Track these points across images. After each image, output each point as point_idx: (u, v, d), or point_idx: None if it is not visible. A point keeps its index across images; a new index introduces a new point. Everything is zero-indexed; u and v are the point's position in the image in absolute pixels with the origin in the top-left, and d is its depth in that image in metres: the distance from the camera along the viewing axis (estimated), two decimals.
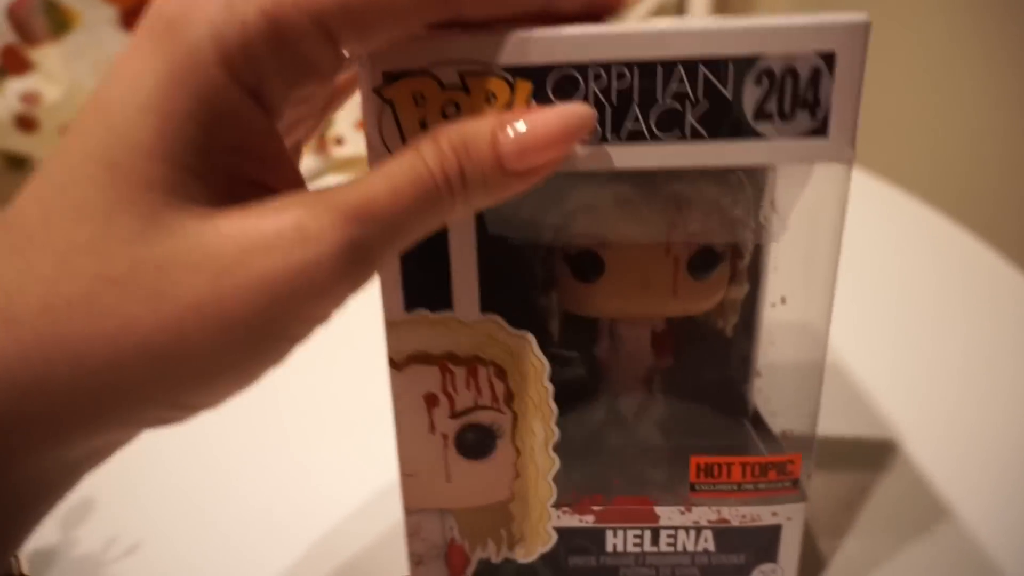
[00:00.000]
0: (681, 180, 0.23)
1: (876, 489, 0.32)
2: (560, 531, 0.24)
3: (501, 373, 0.22)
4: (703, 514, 0.24)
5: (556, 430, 0.23)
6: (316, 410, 0.37)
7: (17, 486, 0.16)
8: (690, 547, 0.24)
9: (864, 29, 0.18)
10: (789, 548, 0.24)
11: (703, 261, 0.23)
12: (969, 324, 0.42)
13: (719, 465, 0.23)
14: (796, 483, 0.23)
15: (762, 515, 0.24)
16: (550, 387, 0.22)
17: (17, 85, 0.42)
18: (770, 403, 0.27)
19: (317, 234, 0.16)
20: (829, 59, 0.18)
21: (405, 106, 0.19)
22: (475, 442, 0.23)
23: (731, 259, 0.24)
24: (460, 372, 0.22)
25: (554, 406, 0.23)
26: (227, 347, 0.16)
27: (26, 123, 0.43)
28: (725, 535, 0.24)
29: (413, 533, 0.24)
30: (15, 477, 0.16)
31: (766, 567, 0.25)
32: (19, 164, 0.49)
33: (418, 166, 0.17)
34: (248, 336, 0.16)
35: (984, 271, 0.47)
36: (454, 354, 0.22)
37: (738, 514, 0.24)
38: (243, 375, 0.17)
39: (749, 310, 0.27)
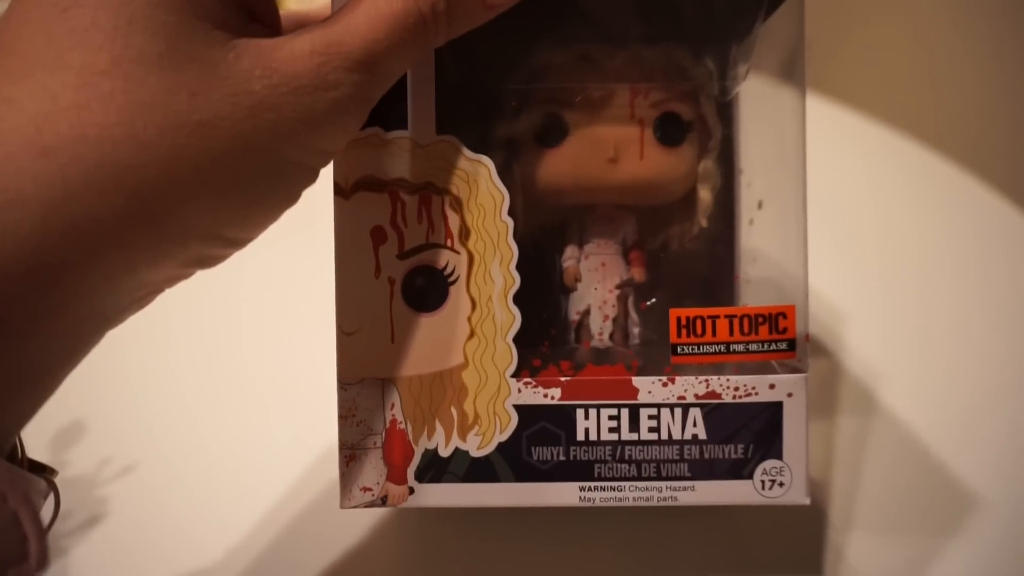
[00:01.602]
0: (643, 41, 0.23)
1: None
2: (521, 410, 0.20)
3: (456, 204, 0.20)
4: (689, 386, 0.20)
5: (517, 276, 0.20)
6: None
7: (71, 328, 0.16)
8: (676, 433, 0.20)
9: None
10: (794, 437, 0.20)
11: (669, 125, 0.23)
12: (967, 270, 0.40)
13: (703, 319, 0.20)
14: (792, 345, 0.20)
15: (758, 387, 0.20)
16: (509, 222, 0.20)
17: None
18: None
19: (335, 82, 0.17)
20: None
21: None
22: (425, 288, 0.20)
23: (699, 135, 0.24)
24: (411, 201, 0.20)
25: (514, 245, 0.20)
26: (266, 177, 0.17)
27: None
28: (717, 416, 0.20)
29: (347, 415, 0.20)
30: (71, 318, 0.16)
31: (770, 465, 0.20)
32: None
33: (410, 5, 0.17)
34: (282, 167, 0.17)
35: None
36: (406, 180, 0.20)
37: (730, 386, 0.20)
38: (277, 204, 0.18)
39: (726, 232, 0.25)
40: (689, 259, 0.25)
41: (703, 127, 0.24)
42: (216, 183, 0.16)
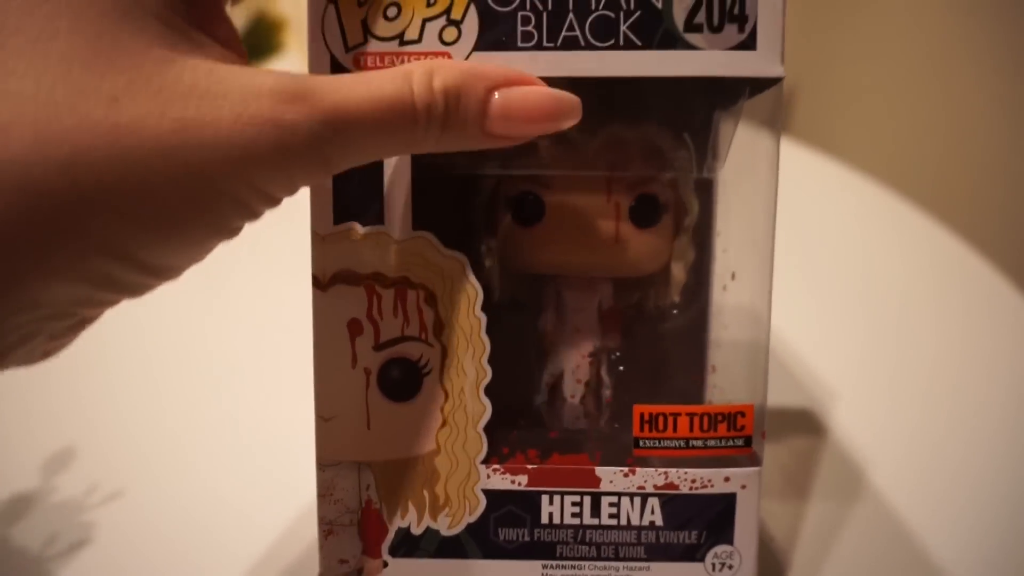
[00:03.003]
0: (622, 122, 0.23)
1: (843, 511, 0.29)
2: (490, 494, 0.21)
3: (431, 299, 0.21)
4: (649, 477, 0.21)
5: (488, 369, 0.21)
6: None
7: None
8: (635, 519, 0.22)
9: None
10: (746, 525, 0.22)
11: (645, 208, 0.23)
12: (940, 318, 0.41)
13: (665, 415, 0.21)
14: (749, 441, 0.21)
15: (714, 480, 0.21)
16: (482, 317, 0.21)
17: None
18: (725, 393, 0.26)
19: (291, 124, 0.16)
20: None
21: (348, 5, 0.20)
22: (400, 380, 0.21)
23: (674, 214, 0.24)
24: (387, 295, 0.21)
25: (486, 340, 0.21)
26: (189, 202, 0.15)
27: None
28: (674, 505, 0.21)
29: (325, 494, 0.21)
30: None
31: (721, 550, 0.22)
32: None
33: (404, 91, 0.17)
34: (212, 196, 0.16)
35: (955, 266, 0.46)
36: (382, 275, 0.21)
37: (687, 478, 0.21)
38: (205, 235, 0.17)
39: (701, 295, 0.26)
40: (661, 325, 0.26)
41: (679, 206, 0.24)
42: (125, 195, 0.15)
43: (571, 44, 0.20)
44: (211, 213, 0.16)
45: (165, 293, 0.46)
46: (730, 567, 0.22)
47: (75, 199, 0.14)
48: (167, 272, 0.17)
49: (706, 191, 0.25)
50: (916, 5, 0.64)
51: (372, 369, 0.21)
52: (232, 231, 0.17)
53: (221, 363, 0.37)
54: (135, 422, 0.33)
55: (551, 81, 0.20)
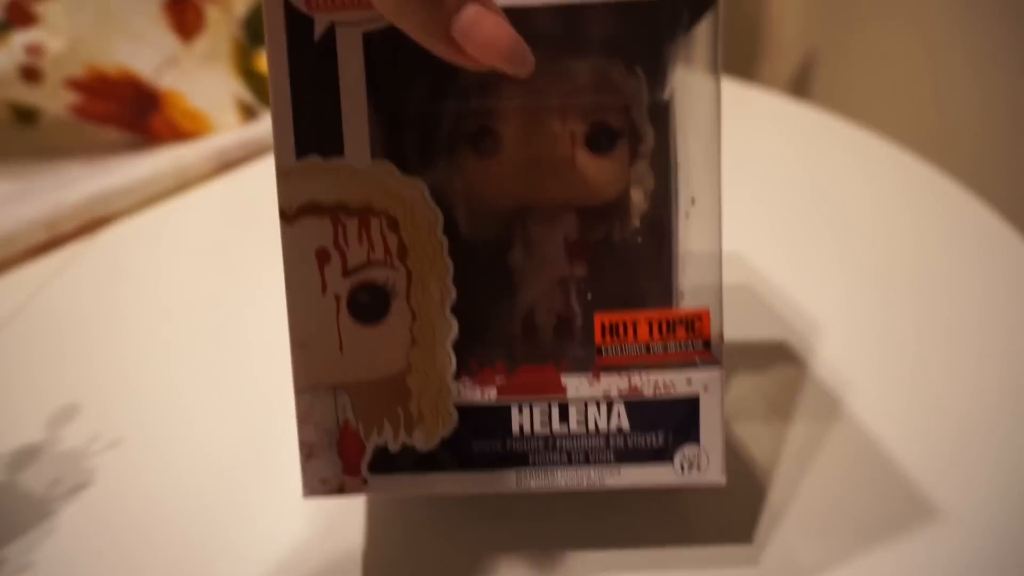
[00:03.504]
0: (572, 53, 0.24)
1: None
2: (462, 409, 0.22)
3: (394, 224, 0.22)
4: (613, 383, 0.22)
5: (453, 289, 0.22)
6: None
7: None
8: (603, 425, 0.22)
9: None
10: (711, 425, 0.22)
11: (600, 135, 0.24)
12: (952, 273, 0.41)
13: (624, 323, 0.22)
14: (708, 345, 0.22)
15: (676, 383, 0.22)
16: (444, 240, 0.22)
17: (22, 37, 0.44)
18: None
19: None
20: None
21: None
22: (369, 303, 0.22)
23: (629, 141, 0.25)
24: (352, 224, 0.22)
25: (449, 261, 0.22)
26: None
27: (31, 74, 0.45)
28: (639, 410, 0.22)
29: (304, 419, 0.23)
30: None
31: (688, 449, 0.22)
32: (26, 116, 0.51)
33: None
34: None
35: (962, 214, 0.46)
36: (345, 204, 0.22)
37: (650, 382, 0.22)
38: None
39: (663, 221, 0.27)
40: (636, 251, 0.27)
41: (634, 134, 0.25)
42: None
43: None
44: None
45: (164, 253, 0.47)
46: (698, 467, 0.23)
47: None
48: None
49: (662, 118, 0.26)
50: None
51: (341, 295, 0.22)
52: None
53: (216, 319, 0.38)
54: (133, 380, 0.35)
55: (509, 12, 0.21)
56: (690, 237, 0.26)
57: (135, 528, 0.27)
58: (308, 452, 0.23)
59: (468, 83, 0.24)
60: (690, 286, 0.26)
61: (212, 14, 0.51)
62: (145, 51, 0.48)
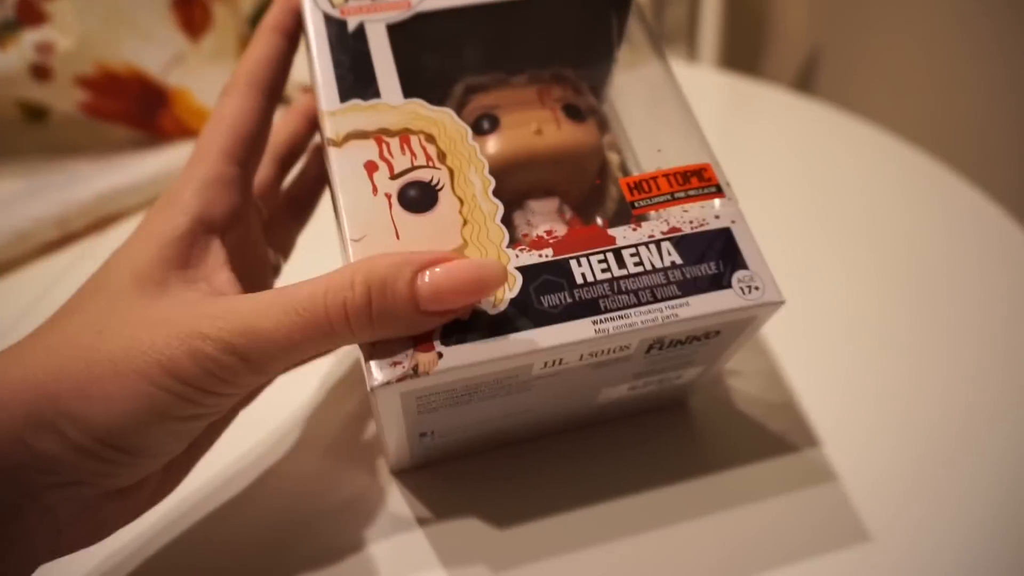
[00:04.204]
0: (536, 65, 0.31)
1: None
2: (522, 270, 0.23)
3: (431, 139, 0.25)
4: (654, 226, 0.24)
5: (491, 179, 0.25)
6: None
7: None
8: (658, 263, 0.23)
9: None
10: (751, 252, 0.24)
11: (572, 109, 0.30)
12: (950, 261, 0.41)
13: (646, 180, 0.25)
14: (719, 188, 0.25)
15: (707, 219, 0.24)
16: (476, 145, 0.25)
17: (32, 36, 0.43)
18: None
19: (201, 346, 0.19)
20: None
21: None
22: (418, 196, 0.24)
23: (597, 118, 0.31)
24: (394, 141, 0.25)
25: (484, 159, 0.25)
26: (130, 394, 0.19)
27: (41, 72, 0.43)
28: (684, 244, 0.24)
29: None
30: None
31: (743, 274, 0.23)
32: (36, 114, 0.46)
33: (316, 310, 0.20)
34: (144, 392, 0.19)
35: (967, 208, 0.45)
36: (387, 128, 0.25)
37: (685, 220, 0.24)
38: (149, 422, 0.19)
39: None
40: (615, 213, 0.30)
41: (597, 114, 0.31)
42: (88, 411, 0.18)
43: None
44: (159, 404, 0.19)
45: None
46: (756, 288, 0.23)
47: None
48: (149, 454, 0.20)
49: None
50: None
51: (392, 193, 0.24)
52: (183, 419, 0.20)
53: None
54: None
55: (487, 40, 0.28)
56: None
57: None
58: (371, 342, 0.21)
59: (465, 88, 0.30)
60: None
61: (219, 12, 0.51)
62: (153, 49, 0.48)
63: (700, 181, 0.25)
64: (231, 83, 0.26)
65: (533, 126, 0.29)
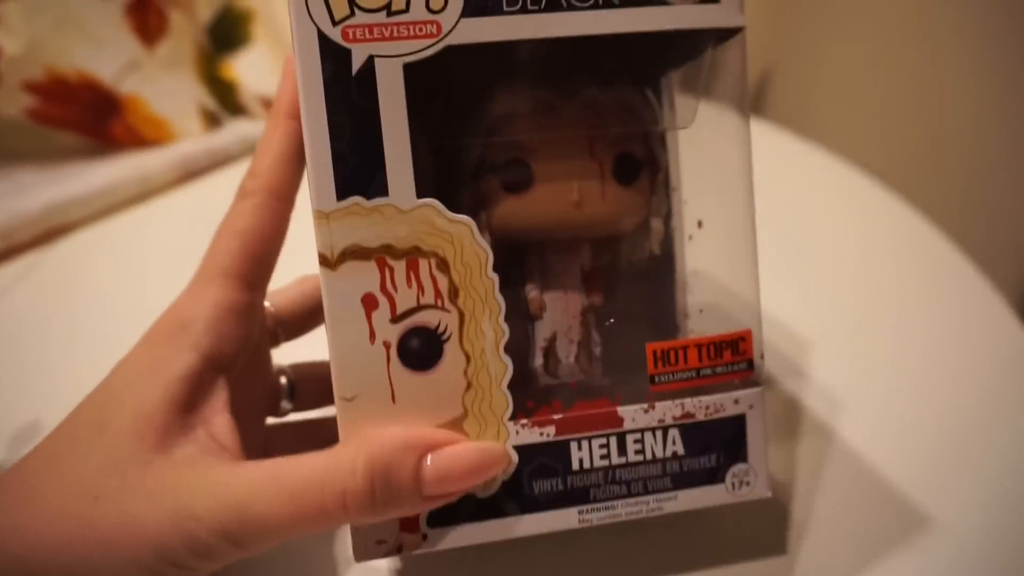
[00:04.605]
0: (596, 85, 0.24)
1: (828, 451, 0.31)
2: (521, 450, 0.22)
3: (443, 265, 0.21)
4: (667, 410, 0.23)
5: (505, 328, 0.22)
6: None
7: None
8: (659, 452, 0.23)
9: None
10: (756, 442, 0.23)
11: (627, 165, 0.24)
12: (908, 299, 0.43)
13: (675, 350, 0.23)
14: (751, 364, 0.23)
15: (725, 404, 0.23)
16: (495, 277, 0.21)
17: None
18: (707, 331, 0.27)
19: (194, 529, 0.19)
20: None
21: None
22: (421, 348, 0.21)
23: (650, 170, 0.25)
24: (399, 267, 0.21)
25: (501, 300, 0.22)
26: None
27: None
28: (692, 433, 0.23)
29: None
30: None
31: (737, 468, 0.23)
32: None
33: (313, 497, 0.19)
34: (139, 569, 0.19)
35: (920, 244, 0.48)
36: (392, 247, 0.21)
37: (702, 406, 0.23)
38: None
39: (668, 244, 0.27)
40: (636, 271, 0.27)
41: (653, 162, 0.25)
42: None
43: (554, 6, 0.20)
44: None
45: (125, 264, 0.43)
46: (747, 483, 0.23)
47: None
48: None
49: (667, 145, 0.26)
50: None
51: (391, 342, 0.21)
52: None
53: None
54: None
55: (539, 41, 0.20)
56: (696, 258, 0.27)
57: None
58: None
59: (497, 115, 0.24)
60: (694, 305, 0.27)
61: (176, 19, 0.49)
62: (105, 55, 0.46)
63: (733, 355, 0.23)
64: (250, 186, 0.23)
65: (573, 194, 0.24)
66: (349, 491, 0.20)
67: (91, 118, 0.47)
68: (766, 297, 0.36)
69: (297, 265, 0.27)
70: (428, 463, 0.20)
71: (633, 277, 0.27)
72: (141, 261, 0.42)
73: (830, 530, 0.27)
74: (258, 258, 0.23)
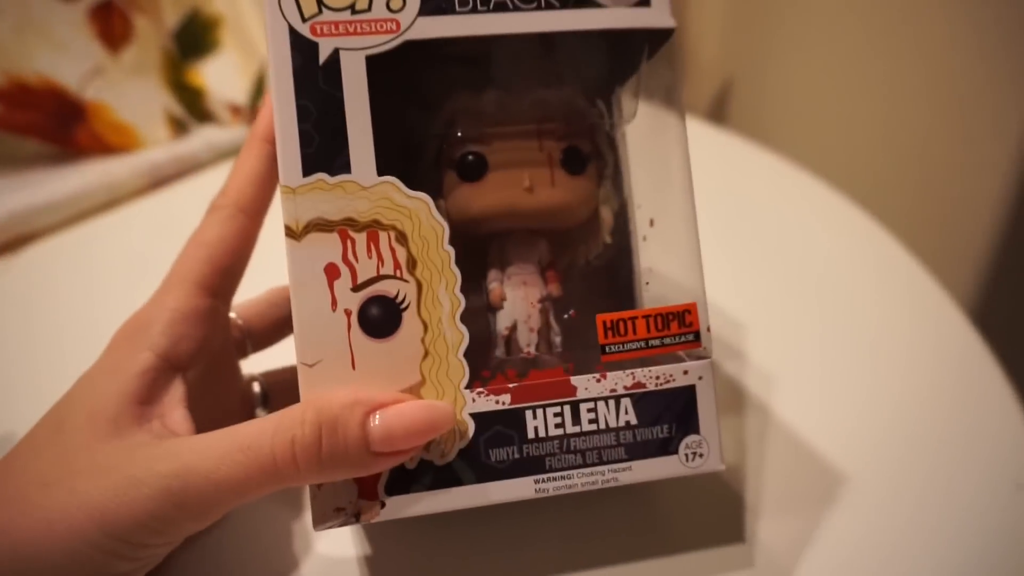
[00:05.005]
0: (546, 87, 0.26)
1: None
2: (477, 418, 0.23)
3: (402, 238, 0.22)
4: (618, 379, 0.23)
5: (462, 298, 0.23)
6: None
7: None
8: (612, 422, 0.23)
9: None
10: (708, 414, 0.24)
11: (574, 157, 0.26)
12: (861, 303, 0.44)
13: (624, 321, 0.24)
14: (698, 336, 0.24)
15: (675, 375, 0.24)
16: (451, 250, 0.23)
17: None
18: None
19: (135, 495, 0.20)
20: None
21: None
22: (380, 316, 0.22)
23: (596, 164, 0.27)
24: (360, 239, 0.22)
25: (457, 271, 0.23)
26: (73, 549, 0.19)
27: None
28: (644, 402, 0.24)
29: None
30: None
31: (691, 439, 0.24)
32: None
33: (262, 452, 0.20)
34: (88, 546, 0.19)
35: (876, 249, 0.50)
36: (353, 219, 0.22)
37: (652, 375, 0.24)
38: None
39: (623, 240, 0.29)
40: (596, 273, 0.29)
41: (599, 157, 0.27)
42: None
43: (501, 7, 0.23)
44: (90, 563, 0.20)
45: (91, 273, 0.43)
46: (700, 455, 0.24)
47: None
48: None
49: (616, 146, 0.29)
50: (846, 2, 0.67)
51: (352, 310, 0.22)
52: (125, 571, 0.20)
53: None
54: None
55: (491, 38, 0.23)
56: (650, 255, 0.29)
57: None
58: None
59: (454, 110, 0.26)
60: (650, 299, 0.29)
61: (141, 24, 0.49)
62: (69, 60, 0.46)
63: (680, 327, 0.24)
64: (219, 202, 0.25)
65: (525, 181, 0.26)
66: (297, 439, 0.20)
67: (55, 125, 0.47)
68: (721, 294, 0.37)
69: (266, 282, 0.28)
70: (375, 419, 0.21)
71: (590, 270, 0.29)
72: (110, 268, 0.42)
73: (780, 511, 0.28)
74: (222, 268, 0.24)
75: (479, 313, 0.26)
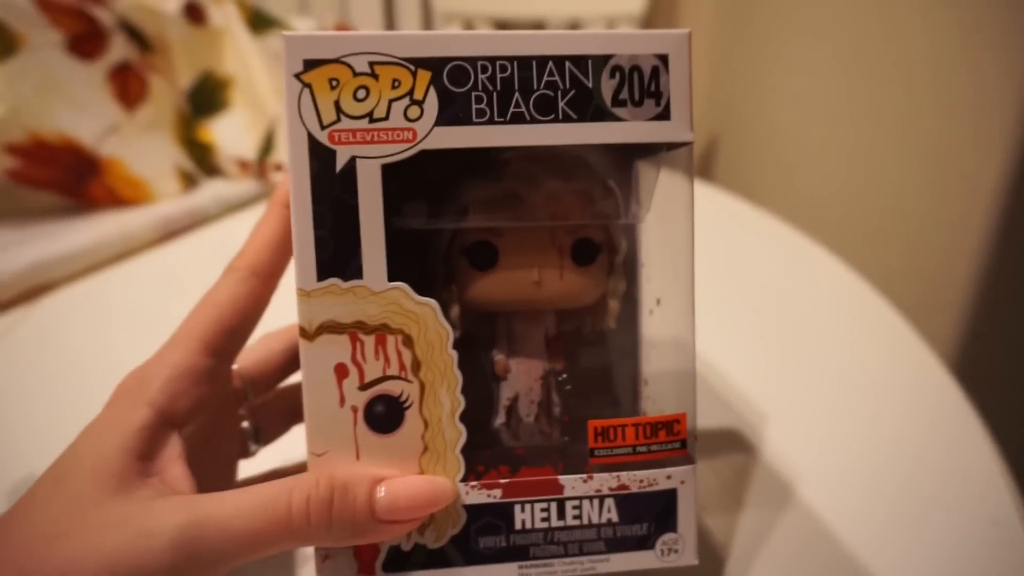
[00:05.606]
0: (559, 178, 0.26)
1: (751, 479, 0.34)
2: (470, 509, 0.24)
3: (408, 341, 0.24)
4: (604, 481, 0.25)
5: (462, 399, 0.24)
6: None
7: None
8: (595, 519, 0.25)
9: (687, 38, 0.23)
10: (687, 514, 0.25)
11: (584, 249, 0.27)
12: (826, 335, 0.47)
13: (614, 428, 0.25)
14: (684, 444, 0.25)
15: (658, 479, 0.25)
16: (454, 355, 0.24)
17: None
18: (657, 404, 0.30)
19: (149, 546, 0.20)
20: (664, 60, 0.23)
21: (321, 88, 0.22)
22: (384, 413, 0.24)
23: (607, 253, 0.28)
24: (369, 341, 0.23)
25: (459, 374, 0.24)
26: None
27: None
28: (627, 503, 0.25)
29: None
30: None
31: (668, 537, 0.26)
32: None
33: (279, 507, 0.21)
34: None
35: (838, 284, 0.52)
36: (363, 323, 0.23)
37: (636, 479, 0.25)
38: None
39: (630, 319, 0.30)
40: (600, 348, 0.30)
41: (611, 246, 0.28)
42: None
43: (518, 119, 0.23)
44: None
45: (106, 322, 0.45)
46: (675, 551, 0.26)
47: None
48: None
49: (632, 231, 0.29)
50: (825, 64, 0.71)
51: (359, 407, 0.24)
52: None
53: None
54: None
55: (504, 150, 0.23)
56: (654, 331, 0.30)
57: None
58: (324, 554, 0.24)
59: (468, 200, 0.26)
60: (652, 372, 0.30)
61: (156, 84, 0.51)
62: (87, 119, 0.47)
63: (668, 435, 0.25)
64: (236, 264, 0.25)
65: (534, 274, 0.27)
66: (312, 498, 0.22)
67: (71, 179, 0.48)
68: (703, 344, 0.38)
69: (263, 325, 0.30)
70: (382, 489, 0.23)
71: (596, 344, 0.30)
72: (124, 317, 0.43)
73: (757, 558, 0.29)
74: (230, 329, 0.25)
75: (485, 382, 0.28)
